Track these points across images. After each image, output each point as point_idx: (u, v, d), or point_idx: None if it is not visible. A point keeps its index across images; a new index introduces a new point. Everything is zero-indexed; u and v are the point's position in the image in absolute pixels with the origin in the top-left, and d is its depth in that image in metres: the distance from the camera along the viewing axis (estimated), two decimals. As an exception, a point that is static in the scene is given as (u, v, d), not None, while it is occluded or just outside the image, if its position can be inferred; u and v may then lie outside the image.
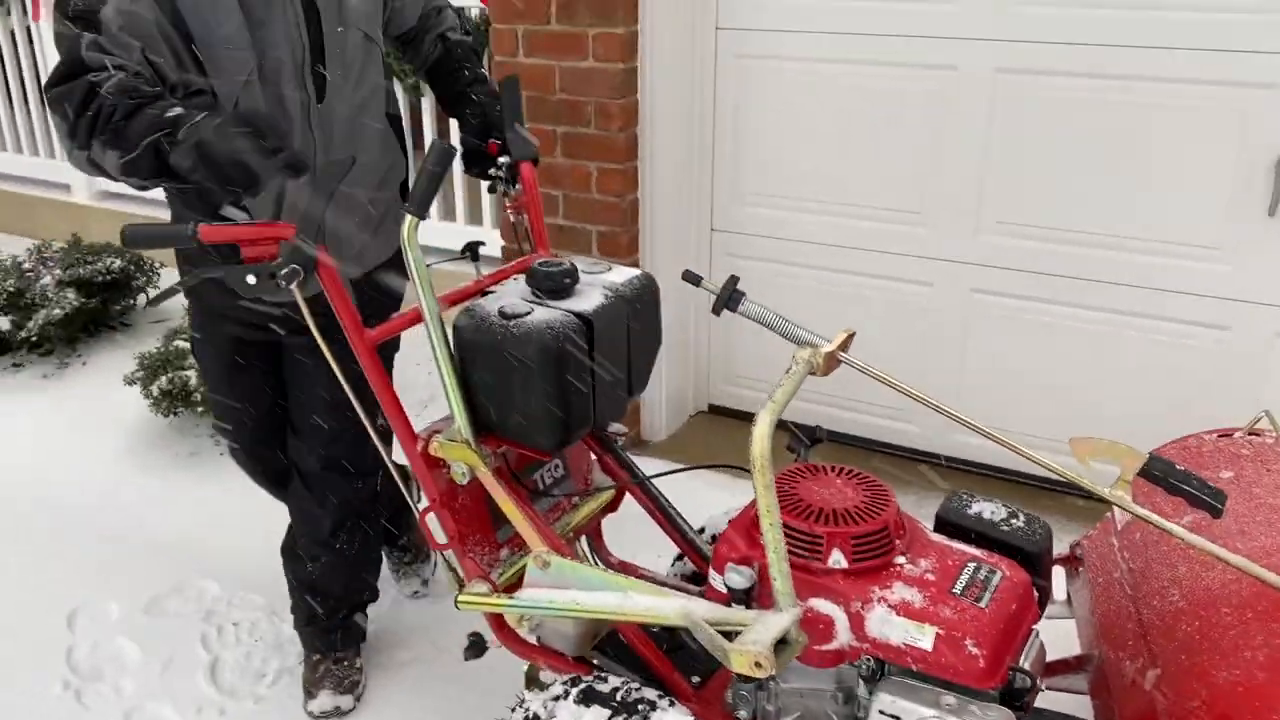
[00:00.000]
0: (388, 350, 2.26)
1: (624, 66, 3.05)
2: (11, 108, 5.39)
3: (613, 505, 2.15)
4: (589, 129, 3.14)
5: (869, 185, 3.16)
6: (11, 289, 3.87)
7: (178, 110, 1.71)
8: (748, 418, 3.35)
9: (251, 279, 1.65)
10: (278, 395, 2.29)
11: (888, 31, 2.99)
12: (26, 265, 4.05)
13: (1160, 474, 1.53)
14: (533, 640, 1.97)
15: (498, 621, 1.93)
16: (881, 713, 1.54)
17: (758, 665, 1.43)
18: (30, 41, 5.11)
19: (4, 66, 5.35)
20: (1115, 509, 1.95)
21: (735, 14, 3.19)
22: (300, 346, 2.15)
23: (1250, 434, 2.09)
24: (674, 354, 3.45)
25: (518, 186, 2.08)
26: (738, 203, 3.38)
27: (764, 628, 1.46)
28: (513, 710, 1.79)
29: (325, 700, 2.36)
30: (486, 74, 2.30)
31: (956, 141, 3.00)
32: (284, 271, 1.63)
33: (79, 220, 5.07)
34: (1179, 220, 2.79)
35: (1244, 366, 2.81)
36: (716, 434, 3.54)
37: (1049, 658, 1.81)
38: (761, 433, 1.46)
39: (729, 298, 1.76)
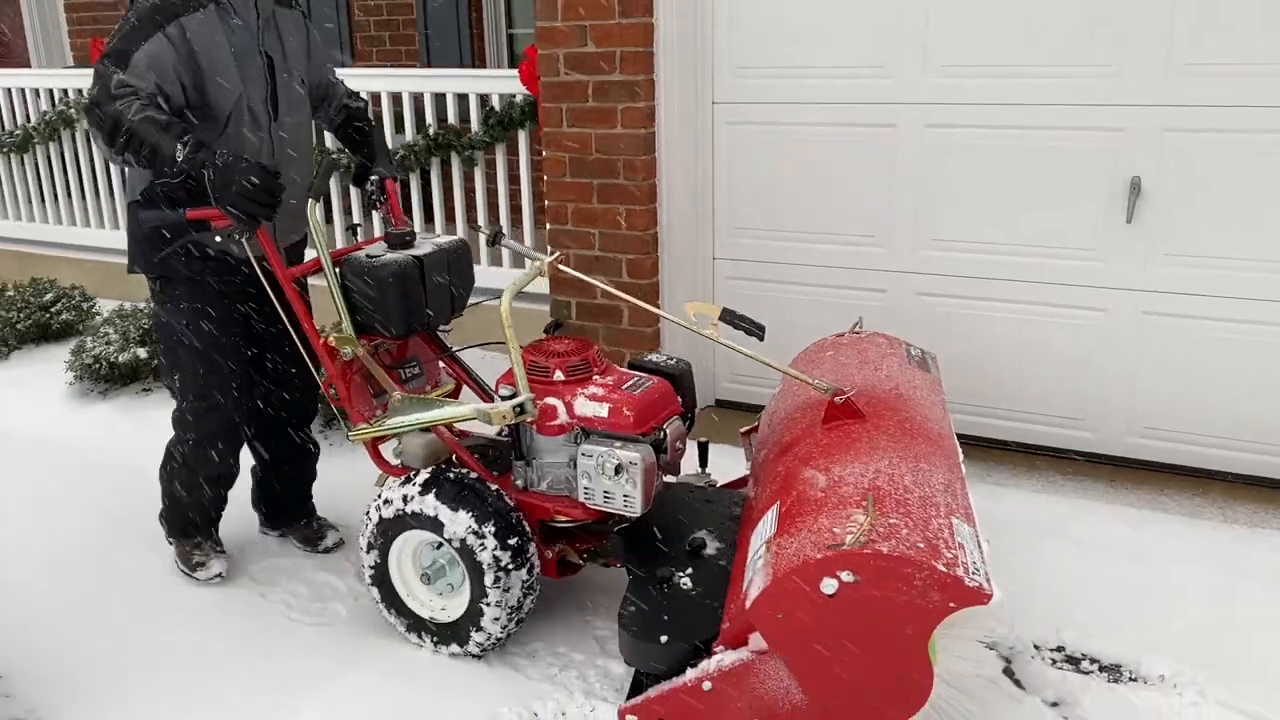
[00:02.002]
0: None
1: (645, 132, 4.03)
2: (111, 193, 6.36)
3: (454, 394, 3.23)
4: (618, 179, 4.10)
5: (833, 217, 4.11)
6: (146, 325, 4.76)
7: (190, 149, 2.63)
8: (748, 408, 4.35)
9: (219, 238, 2.80)
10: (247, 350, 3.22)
11: (841, 100, 3.97)
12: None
13: (729, 316, 2.71)
14: (396, 463, 3.03)
15: (374, 451, 3.03)
16: (583, 454, 2.67)
17: (504, 417, 2.64)
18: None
19: (107, 163, 6.31)
20: (780, 389, 3.21)
21: (727, 92, 4.18)
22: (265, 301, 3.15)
23: (853, 332, 3.36)
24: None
25: (385, 197, 3.29)
26: (733, 235, 4.33)
27: (508, 401, 2.65)
28: (374, 501, 2.86)
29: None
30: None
31: (898, 180, 3.96)
32: (237, 231, 2.73)
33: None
34: (1064, 230, 3.74)
35: (1119, 337, 3.73)
36: (720, 419, 4.42)
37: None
38: (506, 299, 2.64)
39: (494, 238, 2.99)
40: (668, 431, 2.74)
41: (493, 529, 2.70)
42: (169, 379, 3.23)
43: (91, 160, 6.40)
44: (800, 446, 2.65)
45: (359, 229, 3.57)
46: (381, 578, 2.89)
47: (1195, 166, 3.49)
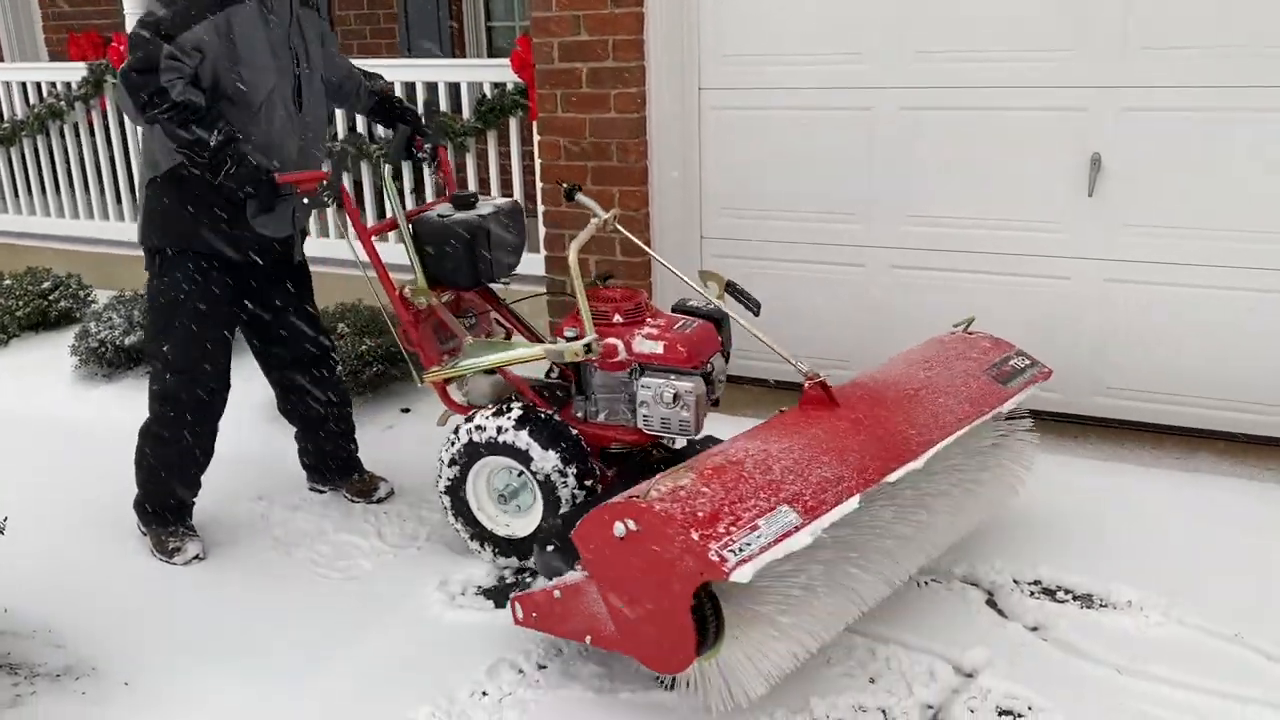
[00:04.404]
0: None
1: (636, 116, 4.24)
2: (101, 185, 6.47)
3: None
4: (612, 162, 4.31)
5: (814, 196, 4.34)
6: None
7: (218, 135, 2.91)
8: (750, 382, 4.54)
9: (306, 200, 3.06)
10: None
11: (820, 85, 4.21)
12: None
13: (731, 288, 3.10)
14: (464, 402, 3.41)
15: (443, 392, 3.39)
16: (643, 386, 3.05)
17: (575, 355, 3.01)
18: (108, 135, 6.22)
19: (96, 155, 6.43)
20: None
21: (712, 78, 4.40)
22: (279, 275, 3.44)
23: (966, 331, 3.48)
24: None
25: (437, 162, 3.67)
26: (720, 215, 4.56)
27: (579, 340, 3.02)
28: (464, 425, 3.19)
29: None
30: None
31: (875, 160, 4.20)
32: (329, 194, 3.06)
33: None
34: (1031, 204, 4.01)
35: (1083, 303, 4.02)
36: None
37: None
38: (574, 250, 3.00)
39: (570, 192, 3.32)
40: (714, 365, 3.11)
41: (575, 470, 3.06)
42: (155, 346, 3.33)
43: (80, 153, 6.49)
44: (762, 422, 2.85)
45: (416, 193, 4.05)
46: (456, 490, 3.24)
47: (1150, 143, 3.77)
